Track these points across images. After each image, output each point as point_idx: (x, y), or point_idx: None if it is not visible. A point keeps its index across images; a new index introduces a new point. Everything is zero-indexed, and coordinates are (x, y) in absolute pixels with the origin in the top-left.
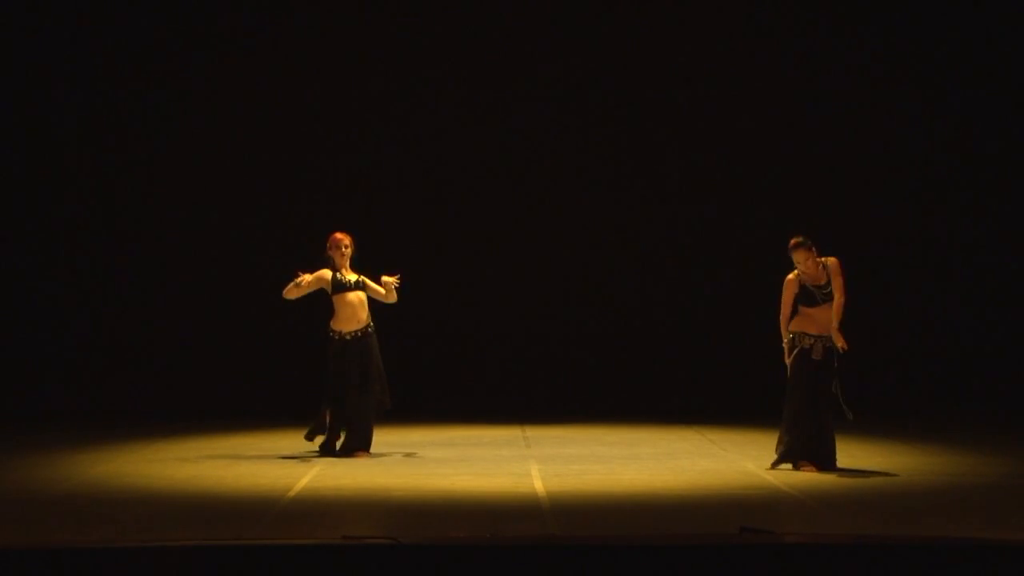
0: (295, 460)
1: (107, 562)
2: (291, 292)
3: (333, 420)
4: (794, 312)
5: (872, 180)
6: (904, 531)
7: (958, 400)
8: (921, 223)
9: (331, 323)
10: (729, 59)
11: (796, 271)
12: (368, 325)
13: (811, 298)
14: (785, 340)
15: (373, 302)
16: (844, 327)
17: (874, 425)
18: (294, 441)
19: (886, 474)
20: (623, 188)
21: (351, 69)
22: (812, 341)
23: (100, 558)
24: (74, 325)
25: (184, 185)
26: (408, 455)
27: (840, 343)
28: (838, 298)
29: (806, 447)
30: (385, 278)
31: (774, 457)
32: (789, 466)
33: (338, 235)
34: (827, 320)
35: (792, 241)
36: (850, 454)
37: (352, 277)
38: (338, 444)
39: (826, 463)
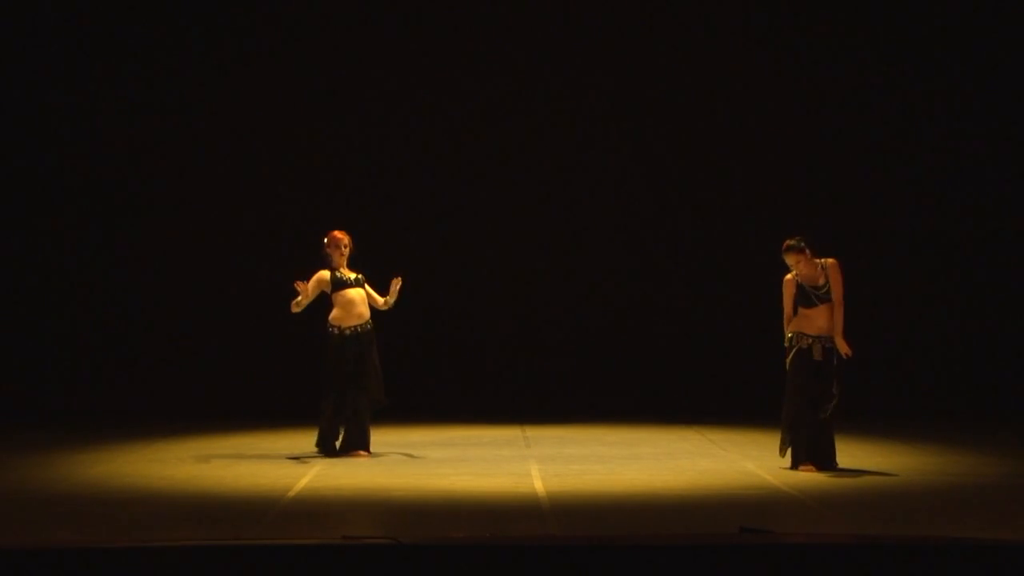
0: (295, 460)
1: (107, 562)
2: (298, 305)
3: (333, 416)
4: (794, 312)
5: (872, 180)
6: (904, 531)
7: (958, 400)
8: (921, 223)
9: (330, 318)
10: (729, 59)
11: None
12: (368, 322)
13: (808, 299)
14: (786, 341)
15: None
16: (844, 327)
17: (874, 425)
18: (294, 441)
19: (886, 474)
20: (623, 188)
21: (351, 69)
22: (811, 341)
23: (100, 558)
24: (74, 325)
25: (184, 185)
26: (408, 455)
27: (844, 350)
28: (837, 308)
29: (807, 448)
30: (394, 282)
31: (786, 462)
32: (788, 466)
33: (337, 234)
34: (825, 321)
35: (784, 244)
36: (850, 454)
37: (351, 275)
38: (338, 443)
39: (826, 463)
